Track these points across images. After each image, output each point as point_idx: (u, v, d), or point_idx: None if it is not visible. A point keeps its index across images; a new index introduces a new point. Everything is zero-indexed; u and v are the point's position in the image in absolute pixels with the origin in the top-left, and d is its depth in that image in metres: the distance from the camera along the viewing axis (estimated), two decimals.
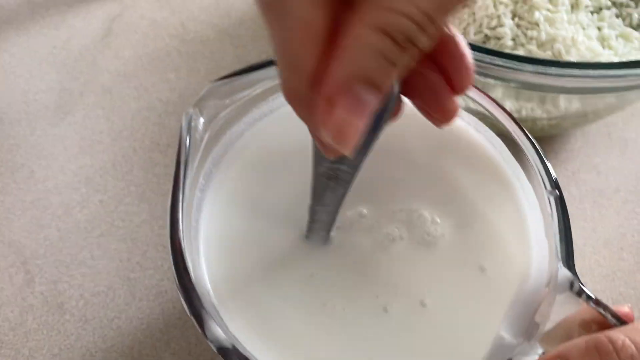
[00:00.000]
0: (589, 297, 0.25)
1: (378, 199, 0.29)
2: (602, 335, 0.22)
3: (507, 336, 0.26)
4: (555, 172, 0.46)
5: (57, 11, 0.55)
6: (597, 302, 0.25)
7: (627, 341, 0.22)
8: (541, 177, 0.28)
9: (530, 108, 0.39)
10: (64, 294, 0.42)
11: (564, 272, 0.26)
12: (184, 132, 0.27)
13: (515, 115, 0.39)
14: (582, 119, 0.39)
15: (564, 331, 0.25)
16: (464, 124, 0.31)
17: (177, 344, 0.40)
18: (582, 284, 0.25)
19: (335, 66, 0.18)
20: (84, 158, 0.48)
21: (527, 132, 0.28)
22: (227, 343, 0.24)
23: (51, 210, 0.45)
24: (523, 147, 0.28)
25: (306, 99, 0.20)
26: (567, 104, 0.39)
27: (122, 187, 0.46)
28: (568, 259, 0.26)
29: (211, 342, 0.24)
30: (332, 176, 0.24)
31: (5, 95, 0.50)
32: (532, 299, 0.26)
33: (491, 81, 0.35)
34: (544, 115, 0.39)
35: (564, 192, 0.45)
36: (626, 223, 0.44)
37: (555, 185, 0.27)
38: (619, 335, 0.22)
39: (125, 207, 0.45)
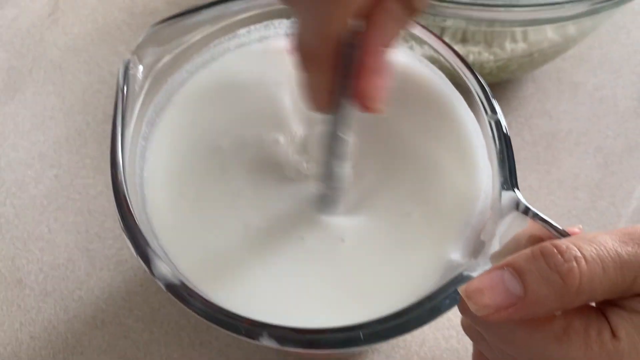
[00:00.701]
0: (535, 214, 0.25)
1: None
2: (547, 242, 0.23)
3: (456, 257, 0.26)
4: (508, 118, 0.47)
5: None
6: (543, 219, 0.25)
7: (571, 245, 0.22)
8: (482, 103, 0.28)
9: (477, 52, 0.39)
10: (23, 269, 0.41)
11: (508, 193, 0.26)
12: (121, 79, 0.27)
13: None
14: (528, 59, 0.39)
15: (513, 247, 0.26)
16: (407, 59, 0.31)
17: (140, 310, 0.40)
18: (527, 203, 0.25)
19: None
20: (37, 134, 0.47)
21: (466, 60, 0.28)
22: (174, 279, 0.24)
23: (5, 188, 0.44)
24: (463, 76, 0.29)
25: (319, 58, 0.23)
26: (513, 46, 0.39)
27: (77, 160, 0.46)
28: (511, 180, 0.26)
29: (159, 279, 0.24)
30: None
31: None
32: (478, 220, 0.27)
33: (440, 21, 0.35)
34: (491, 58, 0.39)
35: (517, 138, 0.46)
36: (579, 163, 0.44)
37: (495, 109, 0.27)
38: (563, 241, 0.23)
39: (81, 180, 0.45)
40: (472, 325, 0.27)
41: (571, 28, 0.38)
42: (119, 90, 0.27)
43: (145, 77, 0.28)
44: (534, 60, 0.40)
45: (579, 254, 0.22)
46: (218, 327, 0.23)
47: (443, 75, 0.30)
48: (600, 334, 0.22)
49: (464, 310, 0.24)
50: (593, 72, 0.48)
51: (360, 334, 0.23)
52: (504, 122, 0.27)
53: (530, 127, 0.46)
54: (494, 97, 0.28)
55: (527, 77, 0.48)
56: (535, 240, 0.25)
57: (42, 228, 0.43)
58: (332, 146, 0.26)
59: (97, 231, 0.43)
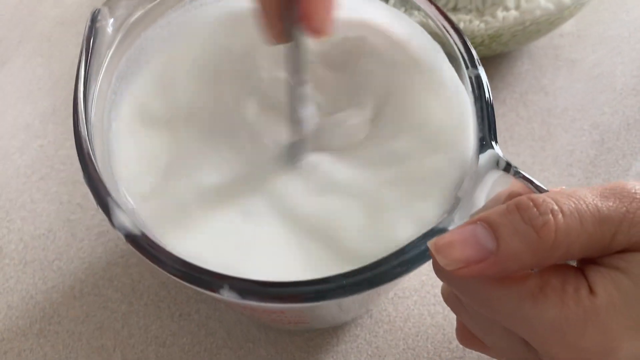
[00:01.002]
0: (516, 171, 0.24)
1: None
2: (524, 196, 0.22)
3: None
4: (503, 94, 0.45)
5: None
6: (525, 177, 0.24)
7: (548, 198, 0.21)
8: (462, 56, 0.27)
9: (468, 20, 0.38)
10: (3, 238, 0.41)
11: (488, 150, 0.25)
12: (87, 29, 0.26)
13: None
14: (521, 27, 0.38)
15: (493, 206, 0.25)
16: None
17: (120, 281, 0.39)
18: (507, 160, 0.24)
19: None
20: (23, 105, 0.46)
21: (446, 13, 0.27)
22: (135, 229, 0.23)
23: None
24: (444, 30, 0.27)
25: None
26: (504, 14, 0.38)
27: (63, 131, 0.45)
28: (490, 135, 0.25)
29: (118, 229, 0.23)
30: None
31: None
32: (457, 177, 0.26)
33: None
34: (482, 26, 0.38)
35: (511, 114, 0.45)
36: (575, 140, 0.43)
37: (475, 64, 0.26)
38: (540, 195, 0.21)
39: (67, 150, 0.44)
40: (452, 294, 0.26)
41: None
42: (83, 40, 0.26)
43: (116, 30, 0.27)
44: (527, 30, 0.39)
45: (555, 207, 0.21)
46: (178, 280, 0.22)
47: (424, 31, 0.29)
48: (577, 290, 0.21)
49: (437, 268, 0.23)
50: (592, 49, 0.47)
51: (326, 287, 0.22)
52: (484, 77, 0.26)
53: (525, 103, 0.45)
54: (479, 62, 0.27)
55: (523, 53, 0.46)
56: (514, 197, 0.24)
57: (25, 198, 0.42)
58: (293, 88, 0.26)
59: (79, 202, 0.42)
